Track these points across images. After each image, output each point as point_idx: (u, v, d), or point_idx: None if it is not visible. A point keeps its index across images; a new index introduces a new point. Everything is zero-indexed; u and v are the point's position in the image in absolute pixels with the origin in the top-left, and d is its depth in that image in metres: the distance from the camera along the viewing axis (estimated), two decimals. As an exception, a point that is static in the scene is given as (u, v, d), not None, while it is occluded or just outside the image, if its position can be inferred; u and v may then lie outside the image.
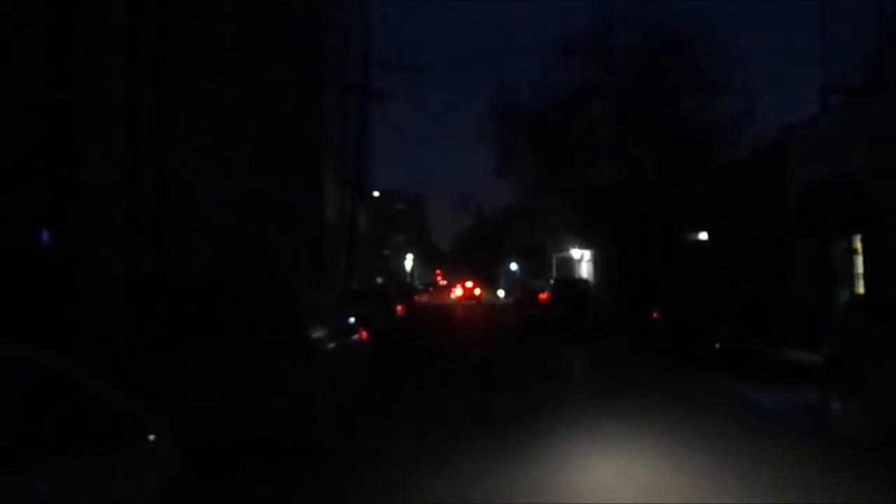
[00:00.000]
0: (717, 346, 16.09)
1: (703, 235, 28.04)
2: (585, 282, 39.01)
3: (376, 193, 57.13)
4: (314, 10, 28.16)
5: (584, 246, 44.79)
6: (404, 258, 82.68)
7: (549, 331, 26.57)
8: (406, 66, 31.84)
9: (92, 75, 10.83)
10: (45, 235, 10.42)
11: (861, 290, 17.43)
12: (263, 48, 20.23)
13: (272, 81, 21.36)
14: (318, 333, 9.13)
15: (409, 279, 76.44)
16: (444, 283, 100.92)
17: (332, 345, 9.68)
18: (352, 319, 12.12)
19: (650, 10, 28.03)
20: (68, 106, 10.40)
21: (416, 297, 51.48)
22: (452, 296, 64.25)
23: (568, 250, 48.77)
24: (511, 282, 67.71)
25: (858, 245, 17.70)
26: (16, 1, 9.52)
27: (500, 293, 62.20)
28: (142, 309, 9.81)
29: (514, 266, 74.77)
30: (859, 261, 17.63)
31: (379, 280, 51.92)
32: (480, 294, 62.52)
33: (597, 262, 42.93)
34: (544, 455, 8.29)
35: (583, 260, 47.60)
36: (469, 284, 63.06)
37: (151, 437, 4.50)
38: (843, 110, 19.31)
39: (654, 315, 19.88)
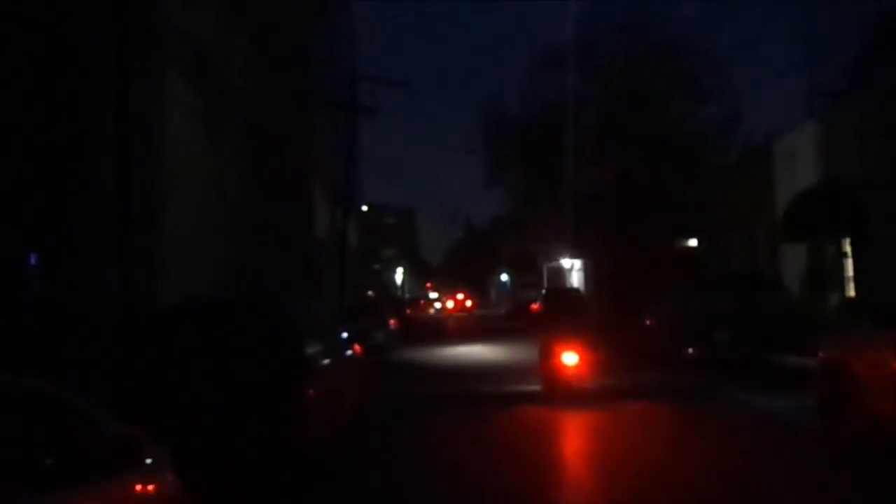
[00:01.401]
0: (709, 351, 16.05)
1: (693, 242, 28.15)
2: (578, 290, 39.03)
3: (365, 208, 57.12)
4: (300, 28, 28.18)
5: (574, 255, 44.84)
6: (395, 272, 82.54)
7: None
8: (392, 81, 31.81)
9: (80, 99, 10.79)
10: (33, 258, 10.35)
11: (852, 293, 17.51)
12: (250, 66, 20.22)
13: (260, 99, 21.34)
14: (312, 350, 9.10)
15: (399, 293, 76.36)
16: (435, 294, 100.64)
17: (326, 361, 9.65)
18: (345, 335, 12.11)
19: (634, 18, 28.21)
20: (57, 127, 10.36)
21: (408, 311, 51.45)
22: (433, 308, 64.77)
23: (559, 260, 48.77)
24: (502, 293, 67.81)
25: (848, 248, 17.80)
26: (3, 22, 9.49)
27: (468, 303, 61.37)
28: (134, 330, 9.74)
29: (504, 277, 74.82)
30: (849, 264, 17.72)
31: (370, 293, 51.79)
32: (472, 306, 62.68)
33: (588, 271, 42.97)
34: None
35: (573, 269, 47.62)
36: (460, 297, 63.39)
37: (148, 461, 4.44)
38: (830, 115, 19.44)
39: (647, 322, 19.86)
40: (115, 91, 10.81)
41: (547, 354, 12.77)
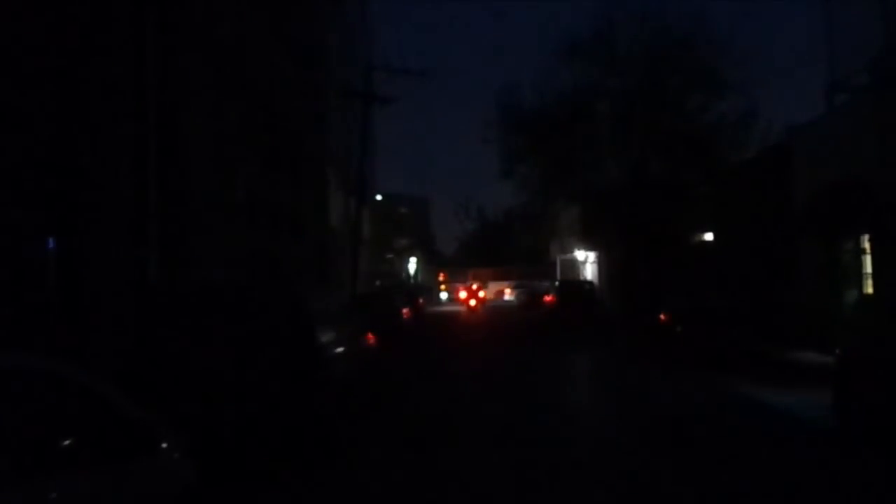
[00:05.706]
0: (727, 347, 15.98)
1: (709, 236, 27.95)
2: (591, 283, 38.96)
3: (379, 197, 57.02)
4: (316, 16, 28.14)
5: (588, 248, 44.69)
6: (408, 262, 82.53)
7: (554, 332, 26.47)
8: (409, 70, 31.62)
9: (97, 86, 10.80)
10: (51, 243, 10.38)
11: (869, 290, 17.34)
12: (266, 54, 20.21)
13: (276, 87, 21.34)
14: (326, 338, 9.10)
15: (412, 282, 76.28)
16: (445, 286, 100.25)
17: (339, 349, 9.66)
18: (358, 323, 12.12)
19: (653, 10, 27.97)
20: (74, 115, 10.38)
21: (420, 300, 51.55)
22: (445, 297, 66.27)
23: (572, 252, 48.65)
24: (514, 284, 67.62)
25: (866, 245, 17.62)
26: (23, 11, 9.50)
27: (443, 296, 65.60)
28: (149, 316, 9.76)
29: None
30: (867, 261, 17.54)
31: (377, 283, 51.84)
32: (484, 297, 62.81)
33: (601, 264, 42.84)
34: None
35: (587, 262, 47.49)
36: (474, 287, 63.66)
37: (164, 445, 4.45)
38: (850, 110, 19.22)
39: (662, 316, 19.77)
40: (134, 77, 10.83)
41: (466, 301, 51.42)
